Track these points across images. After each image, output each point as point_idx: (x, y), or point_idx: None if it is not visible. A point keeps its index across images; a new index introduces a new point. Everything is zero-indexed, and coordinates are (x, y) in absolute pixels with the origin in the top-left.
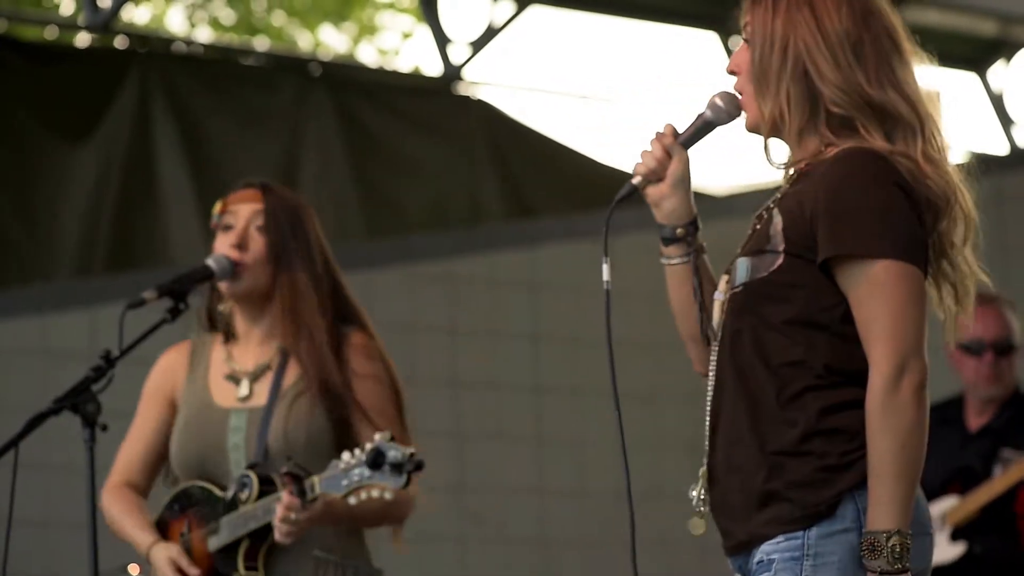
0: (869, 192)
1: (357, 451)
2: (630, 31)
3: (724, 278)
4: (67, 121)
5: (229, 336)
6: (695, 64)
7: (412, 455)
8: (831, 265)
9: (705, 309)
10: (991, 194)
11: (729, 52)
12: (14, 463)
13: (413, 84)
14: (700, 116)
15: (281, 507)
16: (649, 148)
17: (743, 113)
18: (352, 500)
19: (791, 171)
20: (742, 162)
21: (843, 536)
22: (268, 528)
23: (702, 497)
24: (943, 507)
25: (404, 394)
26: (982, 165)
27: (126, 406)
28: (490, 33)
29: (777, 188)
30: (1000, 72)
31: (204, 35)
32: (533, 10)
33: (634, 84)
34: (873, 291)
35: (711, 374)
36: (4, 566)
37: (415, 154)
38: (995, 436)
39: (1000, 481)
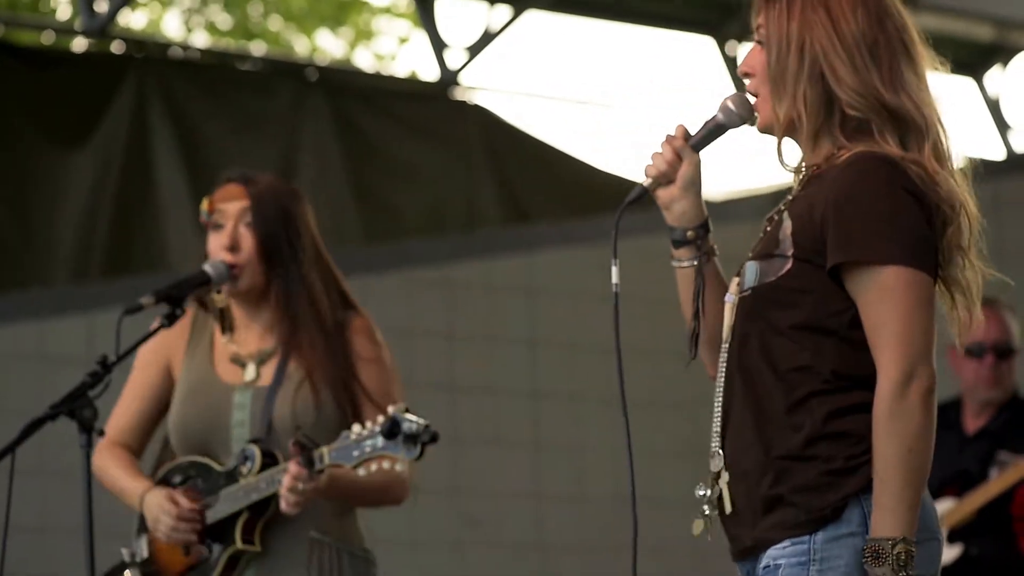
0: (879, 198)
1: (368, 423)
2: (626, 36)
3: (735, 280)
4: (64, 126)
5: (225, 328)
6: (691, 69)
7: (427, 426)
8: (840, 270)
9: (701, 315)
10: (988, 199)
11: (725, 57)
12: (11, 468)
13: (410, 89)
14: (712, 119)
15: (289, 476)
16: (660, 150)
17: (755, 116)
18: (362, 471)
19: (802, 174)
20: (739, 167)
21: (849, 540)
22: (266, 502)
23: (710, 498)
24: (940, 509)
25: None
26: (979, 170)
27: None
28: (487, 38)
29: (784, 191)
30: (996, 77)
31: (201, 40)
32: (529, 15)
33: (630, 89)
34: (882, 297)
35: (720, 377)
36: (1, 571)
37: (412, 159)
38: (992, 439)
39: (996, 483)
